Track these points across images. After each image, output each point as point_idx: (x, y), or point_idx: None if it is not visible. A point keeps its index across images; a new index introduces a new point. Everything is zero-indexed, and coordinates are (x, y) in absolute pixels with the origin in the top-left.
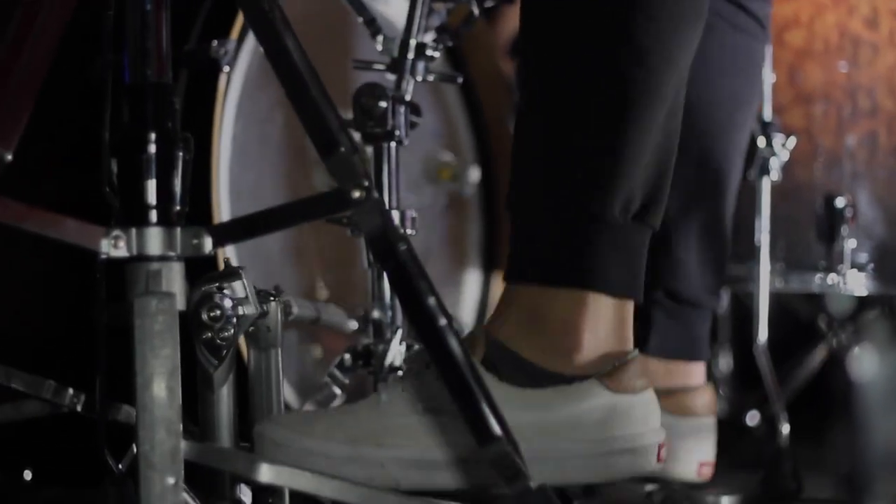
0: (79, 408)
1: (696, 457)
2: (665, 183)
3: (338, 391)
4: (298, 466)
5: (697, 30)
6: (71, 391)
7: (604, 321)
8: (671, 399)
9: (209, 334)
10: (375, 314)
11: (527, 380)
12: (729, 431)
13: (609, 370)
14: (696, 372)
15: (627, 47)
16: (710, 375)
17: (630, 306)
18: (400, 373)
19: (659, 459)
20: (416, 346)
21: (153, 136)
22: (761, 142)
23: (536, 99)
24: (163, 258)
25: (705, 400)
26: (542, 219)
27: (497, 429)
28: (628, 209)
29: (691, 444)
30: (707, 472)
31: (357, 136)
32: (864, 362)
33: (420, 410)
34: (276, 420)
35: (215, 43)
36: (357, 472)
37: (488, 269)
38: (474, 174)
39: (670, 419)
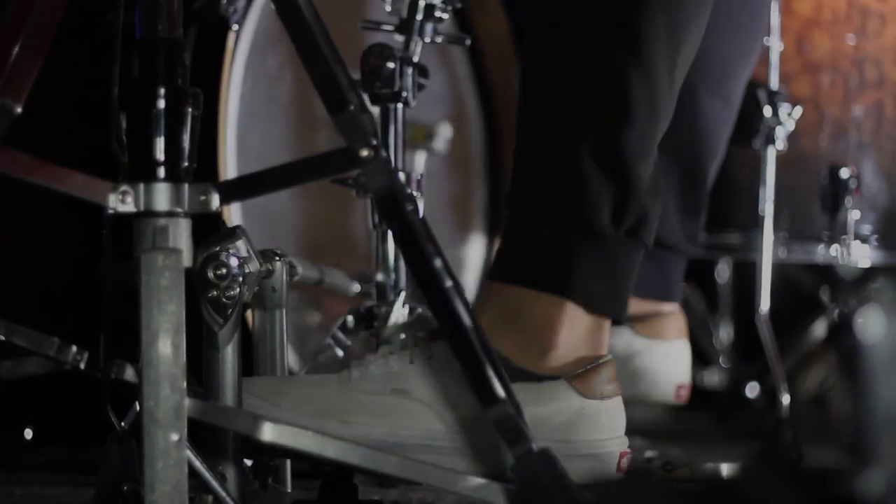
0: (82, 365)
1: (674, 379)
2: (659, 198)
3: (340, 353)
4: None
5: (699, 36)
6: (74, 348)
7: (580, 325)
8: (644, 323)
9: (215, 293)
10: (379, 276)
11: None
12: (728, 402)
13: (579, 373)
14: (667, 306)
15: (630, 52)
16: (711, 346)
17: (608, 319)
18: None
19: (619, 469)
20: (420, 309)
21: (163, 91)
22: (767, 111)
23: (533, 99)
24: (170, 214)
25: (677, 324)
26: (532, 220)
27: (501, 391)
28: (620, 221)
29: (668, 367)
30: (685, 394)
31: (364, 96)
32: (870, 326)
33: (388, 391)
34: (246, 387)
35: (225, 0)
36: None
37: (492, 232)
38: (446, 131)
39: (645, 342)
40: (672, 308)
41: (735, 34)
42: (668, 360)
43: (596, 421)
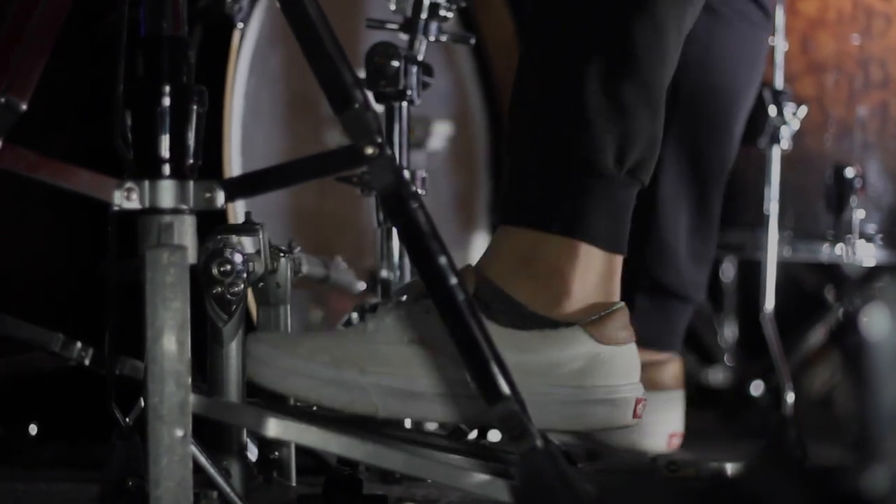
0: (87, 361)
1: (666, 428)
2: (657, 137)
3: None
4: (300, 419)
5: None
6: (79, 344)
7: (593, 271)
8: (641, 373)
9: (219, 289)
10: (384, 273)
11: (513, 320)
12: (733, 401)
13: (594, 319)
14: (666, 354)
15: (638, 5)
16: (716, 344)
17: (619, 260)
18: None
19: (635, 415)
20: None
21: (168, 89)
22: (772, 110)
23: (539, 43)
24: (175, 211)
25: (673, 372)
26: (538, 164)
27: (505, 388)
28: (623, 161)
29: (661, 416)
30: (676, 442)
31: (369, 95)
32: (874, 324)
33: (405, 341)
34: (261, 337)
35: None
36: (338, 395)
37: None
38: (442, 129)
39: None
40: (670, 355)
41: (738, 69)
42: (662, 409)
43: (611, 367)
